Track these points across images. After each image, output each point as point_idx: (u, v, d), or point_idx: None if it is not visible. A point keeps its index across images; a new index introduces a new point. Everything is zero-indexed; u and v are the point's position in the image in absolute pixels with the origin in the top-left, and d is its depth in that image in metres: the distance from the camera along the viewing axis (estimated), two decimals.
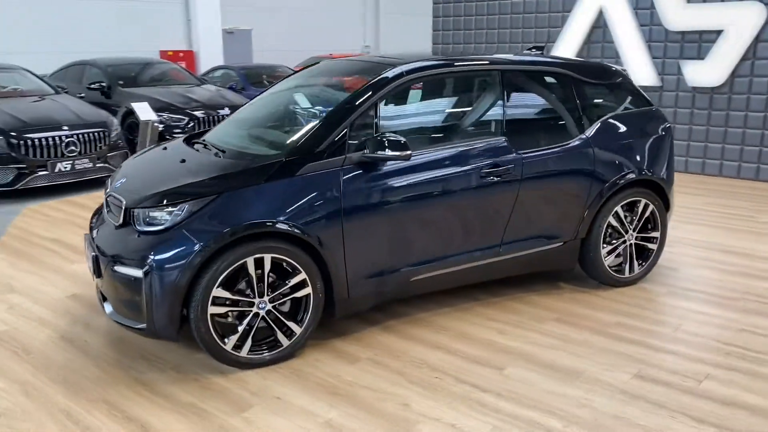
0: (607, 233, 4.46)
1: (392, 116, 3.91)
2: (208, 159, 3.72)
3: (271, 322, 3.45)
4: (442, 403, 3.12)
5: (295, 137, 3.66)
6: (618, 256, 4.55)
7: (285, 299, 3.47)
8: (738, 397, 3.17)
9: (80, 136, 7.62)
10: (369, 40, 20.40)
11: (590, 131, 4.34)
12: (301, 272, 3.44)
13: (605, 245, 4.45)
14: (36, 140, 7.28)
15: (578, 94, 4.38)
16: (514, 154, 4.01)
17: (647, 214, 4.57)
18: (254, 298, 3.37)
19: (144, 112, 8.52)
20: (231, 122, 4.45)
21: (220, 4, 15.53)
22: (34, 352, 3.67)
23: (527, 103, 4.38)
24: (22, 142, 7.22)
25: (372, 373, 3.42)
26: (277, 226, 3.33)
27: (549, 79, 4.41)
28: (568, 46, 9.40)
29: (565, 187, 4.24)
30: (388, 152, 3.50)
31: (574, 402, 3.13)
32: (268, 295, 3.40)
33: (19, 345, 3.75)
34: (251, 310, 3.38)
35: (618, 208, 4.41)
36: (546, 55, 4.58)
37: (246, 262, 3.30)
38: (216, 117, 9.53)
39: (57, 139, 7.42)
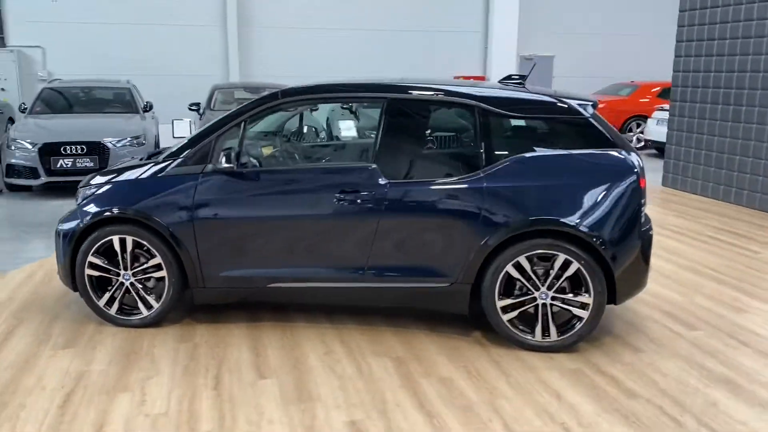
0: (515, 285, 3.96)
1: (262, 134, 4.29)
2: (140, 161, 4.68)
3: (133, 293, 4.26)
4: (161, 380, 3.54)
5: (179, 145, 4.36)
6: (529, 313, 3.98)
7: (148, 276, 4.24)
8: None
9: None
10: None
11: (490, 168, 3.93)
12: (156, 256, 4.17)
13: (504, 297, 3.96)
14: None
15: (484, 128, 3.99)
16: (379, 182, 3.97)
17: (568, 273, 3.88)
18: (120, 270, 4.24)
19: None
20: None
21: (520, 32, 16.05)
22: (53, 281, 5.18)
23: (413, 133, 4.14)
24: None
25: (177, 351, 3.95)
26: (132, 213, 4.13)
27: (449, 110, 4.12)
28: None
29: (443, 224, 3.96)
30: (221, 165, 3.99)
31: (254, 414, 3.19)
32: (131, 270, 4.22)
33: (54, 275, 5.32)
34: (118, 279, 4.25)
35: (522, 259, 3.88)
36: (475, 84, 4.23)
37: (112, 239, 4.19)
38: None
39: None
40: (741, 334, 4.30)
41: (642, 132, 14.05)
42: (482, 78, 16.30)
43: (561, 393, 3.49)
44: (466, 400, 3.40)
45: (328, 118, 4.68)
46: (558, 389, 3.53)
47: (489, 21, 16.09)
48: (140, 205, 4.15)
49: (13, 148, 8.66)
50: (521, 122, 4.09)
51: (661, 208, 8.23)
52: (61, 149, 8.59)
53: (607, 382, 3.62)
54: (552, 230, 3.87)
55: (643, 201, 3.99)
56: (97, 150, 8.71)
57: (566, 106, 4.05)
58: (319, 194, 4.04)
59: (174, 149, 4.34)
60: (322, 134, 4.51)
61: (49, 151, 8.60)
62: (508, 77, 4.50)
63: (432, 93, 4.14)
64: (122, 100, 10.29)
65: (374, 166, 4.02)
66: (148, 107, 10.37)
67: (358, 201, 3.98)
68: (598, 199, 3.89)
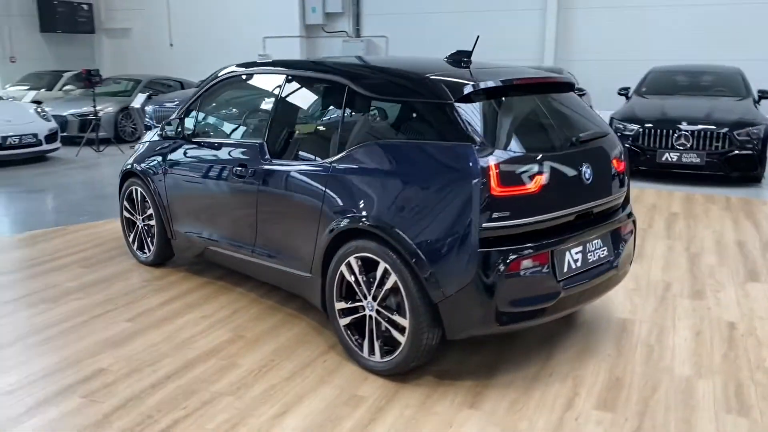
0: (357, 289, 3.51)
1: (208, 108, 4.59)
2: None
3: (143, 235, 5.16)
4: (78, 303, 4.31)
5: None
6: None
7: (149, 223, 5.08)
8: None
9: None
10: None
11: (338, 155, 3.52)
12: (150, 207, 4.98)
13: (342, 300, 3.54)
14: None
15: (347, 109, 3.55)
16: (261, 159, 3.95)
17: (387, 285, 3.26)
18: (138, 215, 5.17)
19: None
20: None
21: None
22: None
23: (296, 111, 3.90)
24: None
25: (127, 287, 4.70)
26: (133, 170, 5.01)
27: (325, 88, 3.72)
28: None
29: (299, 210, 3.73)
30: (163, 131, 4.55)
31: (74, 351, 3.74)
32: (141, 215, 5.13)
33: None
34: (136, 222, 5.21)
35: (352, 260, 3.42)
36: (356, 59, 3.70)
37: (131, 189, 5.15)
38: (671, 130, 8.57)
39: None
40: (662, 428, 2.87)
41: None
42: None
43: (288, 416, 3.05)
44: (206, 386, 3.29)
45: None
46: (295, 410, 3.09)
47: None
48: (139, 163, 4.99)
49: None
50: (387, 104, 3.50)
51: None
52: None
53: (355, 420, 2.98)
54: (369, 231, 3.30)
55: (502, 215, 3.02)
56: None
57: (428, 88, 3.31)
58: (226, 167, 4.22)
59: None
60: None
61: None
62: (456, 53, 3.82)
63: (314, 71, 3.87)
64: None
65: (262, 142, 4.00)
66: None
67: (244, 177, 4.04)
68: (425, 204, 3.13)
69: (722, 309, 4.29)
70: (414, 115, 3.36)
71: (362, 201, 3.34)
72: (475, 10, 14.61)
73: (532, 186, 3.09)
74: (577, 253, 3.35)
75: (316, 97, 3.87)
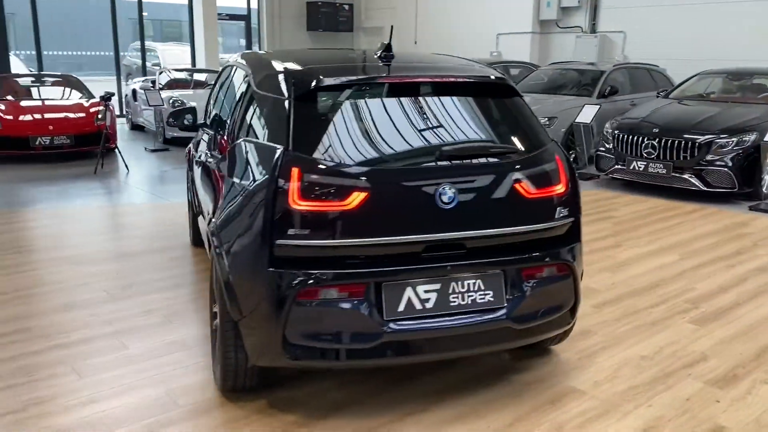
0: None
1: (213, 99, 4.67)
2: None
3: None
4: (106, 266, 4.86)
5: None
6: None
7: None
8: None
9: None
10: None
11: (225, 152, 3.39)
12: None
13: (215, 303, 3.41)
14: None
15: (246, 105, 3.40)
16: (204, 147, 4.01)
17: (217, 293, 3.06)
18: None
19: None
20: None
21: None
22: None
23: (231, 104, 3.77)
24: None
25: (157, 261, 5.13)
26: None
27: (244, 82, 3.54)
28: None
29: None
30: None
31: (55, 319, 4.28)
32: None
33: None
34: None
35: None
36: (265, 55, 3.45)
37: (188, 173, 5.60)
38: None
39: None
40: None
41: None
42: None
43: (96, 403, 3.06)
44: (77, 360, 3.46)
45: None
46: (109, 400, 3.08)
47: None
48: (189, 149, 5.38)
49: None
50: (264, 99, 3.22)
51: None
52: None
53: (143, 425, 2.87)
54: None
55: (302, 232, 2.62)
56: None
57: (279, 82, 3.00)
58: (204, 156, 4.32)
59: None
60: None
61: None
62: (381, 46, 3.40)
63: (245, 64, 3.73)
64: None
65: (215, 133, 4.02)
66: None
67: (208, 165, 4.12)
68: (238, 210, 2.87)
69: (736, 407, 3.08)
70: (269, 111, 3.07)
71: (213, 202, 3.21)
72: (726, 1, 12.32)
73: (348, 203, 2.61)
74: (428, 291, 2.73)
75: (240, 90, 3.76)
